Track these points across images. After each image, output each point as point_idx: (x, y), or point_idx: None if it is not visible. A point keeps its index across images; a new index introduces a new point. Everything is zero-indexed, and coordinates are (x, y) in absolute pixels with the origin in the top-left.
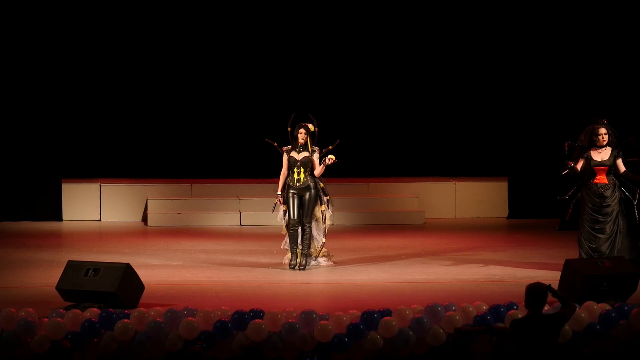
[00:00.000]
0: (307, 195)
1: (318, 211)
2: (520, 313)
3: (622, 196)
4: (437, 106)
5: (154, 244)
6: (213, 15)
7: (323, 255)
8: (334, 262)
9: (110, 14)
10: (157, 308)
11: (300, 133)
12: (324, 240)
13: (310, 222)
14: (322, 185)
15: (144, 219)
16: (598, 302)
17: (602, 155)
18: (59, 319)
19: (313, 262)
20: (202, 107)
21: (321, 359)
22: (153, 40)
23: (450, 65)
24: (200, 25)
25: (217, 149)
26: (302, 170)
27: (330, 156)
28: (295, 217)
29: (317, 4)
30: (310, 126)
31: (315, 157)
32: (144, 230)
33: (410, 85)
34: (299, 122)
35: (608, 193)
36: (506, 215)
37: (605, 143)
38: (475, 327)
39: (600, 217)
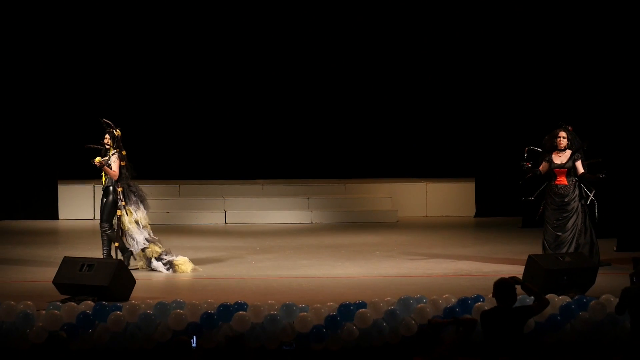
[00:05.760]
0: (106, 198)
1: (126, 216)
2: (486, 305)
3: (584, 195)
4: (409, 112)
5: None
6: (202, 22)
7: (160, 260)
8: (178, 271)
9: (106, 19)
10: (148, 301)
11: (105, 138)
12: (146, 244)
13: (105, 227)
14: (120, 189)
15: None
16: (559, 295)
17: (561, 158)
18: (56, 311)
19: (154, 265)
20: (189, 112)
21: (299, 347)
22: (145, 48)
23: (419, 76)
24: (190, 33)
25: (204, 152)
26: (103, 173)
27: (96, 159)
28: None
29: (300, 9)
30: (117, 131)
31: (113, 159)
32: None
33: (384, 94)
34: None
35: (568, 193)
36: (473, 214)
37: (563, 146)
38: (445, 320)
39: (562, 215)
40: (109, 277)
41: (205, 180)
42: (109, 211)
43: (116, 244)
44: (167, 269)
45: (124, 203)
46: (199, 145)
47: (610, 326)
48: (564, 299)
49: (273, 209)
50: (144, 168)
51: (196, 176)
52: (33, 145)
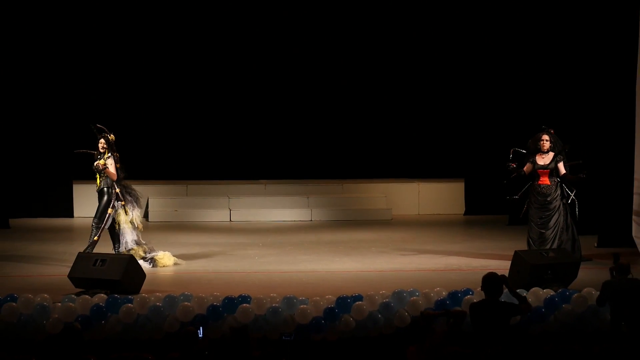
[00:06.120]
0: (101, 199)
1: (123, 215)
2: (475, 298)
3: (566, 194)
4: (403, 117)
5: (154, 237)
6: (207, 27)
7: (141, 258)
8: (159, 265)
9: (116, 25)
10: (157, 294)
11: (100, 142)
12: (133, 245)
13: (97, 222)
14: (117, 190)
15: (146, 215)
16: (543, 288)
17: (545, 160)
18: (71, 304)
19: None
20: (196, 117)
21: (300, 338)
22: (154, 51)
23: (412, 85)
24: (198, 41)
25: (210, 154)
26: (97, 176)
27: (99, 161)
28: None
29: (299, 15)
30: (111, 136)
31: (109, 162)
32: (146, 225)
33: (380, 100)
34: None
35: (550, 193)
36: (463, 212)
37: (546, 148)
38: (436, 312)
39: (545, 214)
40: (121, 272)
41: (211, 180)
42: (103, 210)
43: (95, 238)
44: (149, 265)
45: (123, 202)
46: (206, 147)
47: (592, 317)
48: (548, 292)
49: (275, 208)
50: (154, 169)
51: (203, 177)
52: (49, 147)
